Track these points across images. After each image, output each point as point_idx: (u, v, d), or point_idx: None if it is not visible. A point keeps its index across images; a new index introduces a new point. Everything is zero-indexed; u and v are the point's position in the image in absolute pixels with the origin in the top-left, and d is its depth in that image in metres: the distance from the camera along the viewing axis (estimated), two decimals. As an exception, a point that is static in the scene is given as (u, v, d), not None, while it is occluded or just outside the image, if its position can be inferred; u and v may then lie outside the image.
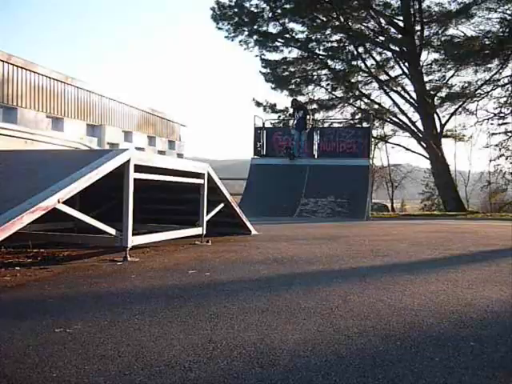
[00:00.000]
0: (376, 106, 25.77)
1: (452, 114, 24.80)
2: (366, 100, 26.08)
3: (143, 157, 4.73)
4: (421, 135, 24.17)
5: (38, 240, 5.05)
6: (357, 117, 25.72)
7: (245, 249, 5.33)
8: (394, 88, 24.88)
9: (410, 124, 24.99)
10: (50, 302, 2.88)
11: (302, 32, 24.83)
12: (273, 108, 25.65)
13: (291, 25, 24.69)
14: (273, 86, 25.66)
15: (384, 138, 28.63)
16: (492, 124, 24.66)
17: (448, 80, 24.28)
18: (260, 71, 25.64)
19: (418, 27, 23.09)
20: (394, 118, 25.87)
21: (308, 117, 16.18)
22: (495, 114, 24.52)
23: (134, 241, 4.47)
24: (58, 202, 3.66)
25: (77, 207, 4.68)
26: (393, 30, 23.99)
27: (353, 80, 25.28)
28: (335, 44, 24.82)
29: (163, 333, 2.22)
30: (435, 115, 24.32)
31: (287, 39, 24.91)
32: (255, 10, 24.33)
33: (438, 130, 24.34)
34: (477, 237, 7.11)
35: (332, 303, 2.79)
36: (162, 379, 1.69)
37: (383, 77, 25.25)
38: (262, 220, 9.87)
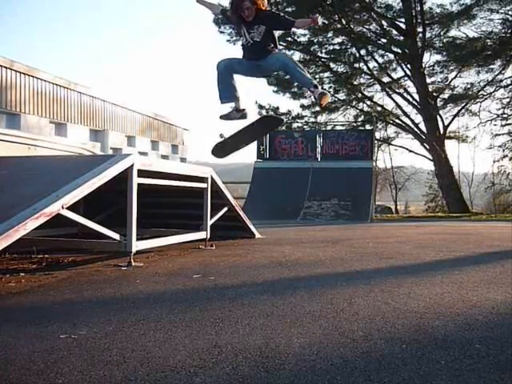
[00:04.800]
0: (379, 108, 25.75)
1: (455, 116, 24.78)
2: (368, 102, 26.07)
3: (146, 161, 4.73)
4: (424, 137, 24.14)
5: (42, 246, 5.05)
6: (359, 119, 25.72)
7: (249, 252, 5.33)
8: (397, 90, 24.87)
9: (413, 126, 24.96)
10: (55, 308, 2.88)
11: (304, 35, 24.85)
12: (275, 111, 25.65)
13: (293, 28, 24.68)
14: (275, 89, 25.68)
15: (387, 140, 28.62)
16: (495, 125, 24.65)
17: (451, 81, 24.28)
18: (263, 74, 25.64)
19: (419, 29, 23.08)
20: (397, 120, 25.85)
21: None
22: (498, 115, 24.50)
23: (138, 246, 4.47)
24: (62, 207, 3.67)
25: (81, 212, 4.69)
26: (395, 32, 23.99)
27: (355, 82, 25.28)
28: (337, 47, 24.83)
29: (168, 338, 2.22)
30: (438, 117, 24.30)
31: (289, 42, 24.92)
32: (257, 14, 24.33)
33: (441, 131, 24.31)
34: (481, 238, 7.09)
35: (337, 306, 2.78)
36: (168, 384, 1.69)
37: (386, 79, 25.24)
38: (265, 223, 9.86)
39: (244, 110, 5.53)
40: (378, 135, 25.64)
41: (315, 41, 24.88)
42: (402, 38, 23.51)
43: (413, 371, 1.78)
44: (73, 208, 3.89)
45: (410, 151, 26.96)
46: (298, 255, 5.11)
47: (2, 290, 3.38)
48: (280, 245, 6.15)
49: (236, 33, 5.31)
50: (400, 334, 2.24)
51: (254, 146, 17.80)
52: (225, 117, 5.51)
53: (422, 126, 24.46)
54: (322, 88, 5.16)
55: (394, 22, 23.59)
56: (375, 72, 24.96)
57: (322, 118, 26.10)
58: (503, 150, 25.05)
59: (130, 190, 4.37)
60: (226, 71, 5.35)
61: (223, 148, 5.60)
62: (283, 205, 14.19)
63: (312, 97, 5.15)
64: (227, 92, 5.34)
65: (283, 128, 24.19)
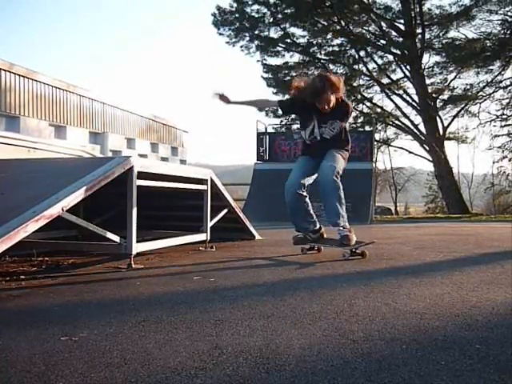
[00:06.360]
0: (378, 110, 25.80)
1: (454, 117, 24.82)
2: (368, 103, 26.12)
3: (146, 163, 4.74)
4: (423, 138, 24.18)
5: (42, 248, 5.06)
6: (359, 120, 25.74)
7: (249, 254, 5.33)
8: (396, 91, 24.92)
9: (412, 127, 25.01)
10: (56, 311, 2.89)
11: (303, 37, 24.92)
12: (275, 113, 25.69)
13: (292, 29, 24.78)
14: (275, 90, 25.73)
15: (387, 142, 28.67)
16: (495, 126, 24.71)
17: (450, 82, 24.35)
18: (262, 76, 25.72)
19: (419, 30, 23.15)
20: (397, 122, 25.90)
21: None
22: (498, 116, 24.56)
23: (138, 248, 4.47)
24: (62, 210, 3.67)
25: (81, 215, 4.69)
26: (394, 33, 24.06)
27: (355, 84, 25.33)
28: (336, 48, 24.91)
29: (169, 339, 2.22)
30: (438, 118, 24.34)
31: (288, 44, 24.98)
32: (256, 15, 24.41)
33: (441, 132, 24.35)
34: (481, 239, 7.09)
35: (337, 307, 2.79)
36: (168, 386, 1.69)
37: (385, 80, 25.31)
38: (265, 225, 9.86)
39: (321, 228, 4.96)
40: (377, 136, 25.68)
41: (314, 42, 24.92)
42: (401, 39, 23.57)
43: (413, 372, 1.78)
44: (73, 210, 3.89)
45: (410, 152, 27.00)
46: (298, 256, 5.11)
47: (2, 293, 3.38)
48: (280, 246, 6.16)
49: (301, 125, 4.80)
50: (400, 334, 2.25)
51: (253, 147, 17.84)
52: (299, 241, 5.01)
53: (422, 127, 24.52)
54: (349, 229, 4.65)
55: (393, 23, 23.65)
56: (374, 73, 25.03)
57: (321, 120, 26.06)
58: (503, 151, 25.10)
59: (130, 191, 4.37)
60: (297, 196, 4.76)
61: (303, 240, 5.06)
62: (283, 206, 14.17)
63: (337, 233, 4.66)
64: (305, 222, 4.81)
65: (283, 129, 24.22)
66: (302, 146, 4.97)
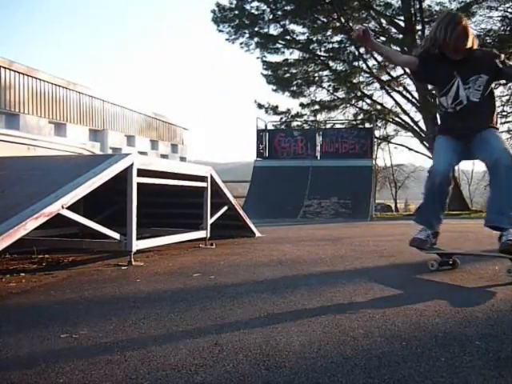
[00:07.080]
0: (378, 107, 25.73)
1: (454, 114, 24.73)
2: (368, 100, 26.04)
3: (146, 161, 4.74)
4: (423, 135, 24.13)
5: (42, 246, 5.06)
6: (359, 117, 25.69)
7: (249, 251, 5.33)
8: (396, 88, 24.86)
9: (412, 124, 24.95)
10: (56, 308, 2.89)
11: (303, 33, 24.85)
12: (275, 110, 25.65)
13: (292, 26, 24.72)
14: (274, 87, 25.67)
15: (387, 139, 28.60)
16: (495, 122, 24.64)
17: (450, 79, 24.26)
18: (261, 73, 25.66)
19: (419, 27, 23.09)
20: (397, 118, 25.84)
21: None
22: (498, 113, 24.49)
23: (138, 245, 4.47)
24: (62, 207, 3.67)
25: (81, 212, 4.69)
26: (394, 30, 24.00)
27: (354, 81, 25.27)
28: (336, 45, 24.81)
29: (169, 336, 2.22)
30: (437, 114, 24.29)
31: (288, 41, 24.91)
32: (256, 12, 24.35)
33: (441, 129, 24.29)
34: (481, 236, 7.08)
35: (337, 304, 2.79)
36: (169, 383, 1.69)
37: (385, 77, 25.23)
38: (265, 222, 9.87)
39: (438, 233, 4.13)
40: (377, 133, 25.63)
41: (314, 39, 24.85)
42: (401, 35, 23.51)
43: (413, 368, 1.78)
44: (73, 208, 3.89)
45: (410, 149, 26.91)
46: (298, 253, 5.11)
47: (2, 291, 3.39)
48: (280, 243, 6.16)
49: (439, 91, 3.69)
50: (400, 331, 2.25)
51: (253, 144, 17.84)
52: (418, 244, 3.99)
53: (422, 124, 24.45)
54: None
55: (393, 19, 23.59)
56: (374, 70, 24.96)
57: (321, 117, 26.08)
58: (503, 148, 25.02)
59: (130, 189, 4.37)
60: (444, 185, 3.78)
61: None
62: (283, 203, 14.20)
63: (502, 236, 3.70)
64: (436, 219, 3.97)
65: (282, 127, 24.20)
66: (442, 120, 4.08)
